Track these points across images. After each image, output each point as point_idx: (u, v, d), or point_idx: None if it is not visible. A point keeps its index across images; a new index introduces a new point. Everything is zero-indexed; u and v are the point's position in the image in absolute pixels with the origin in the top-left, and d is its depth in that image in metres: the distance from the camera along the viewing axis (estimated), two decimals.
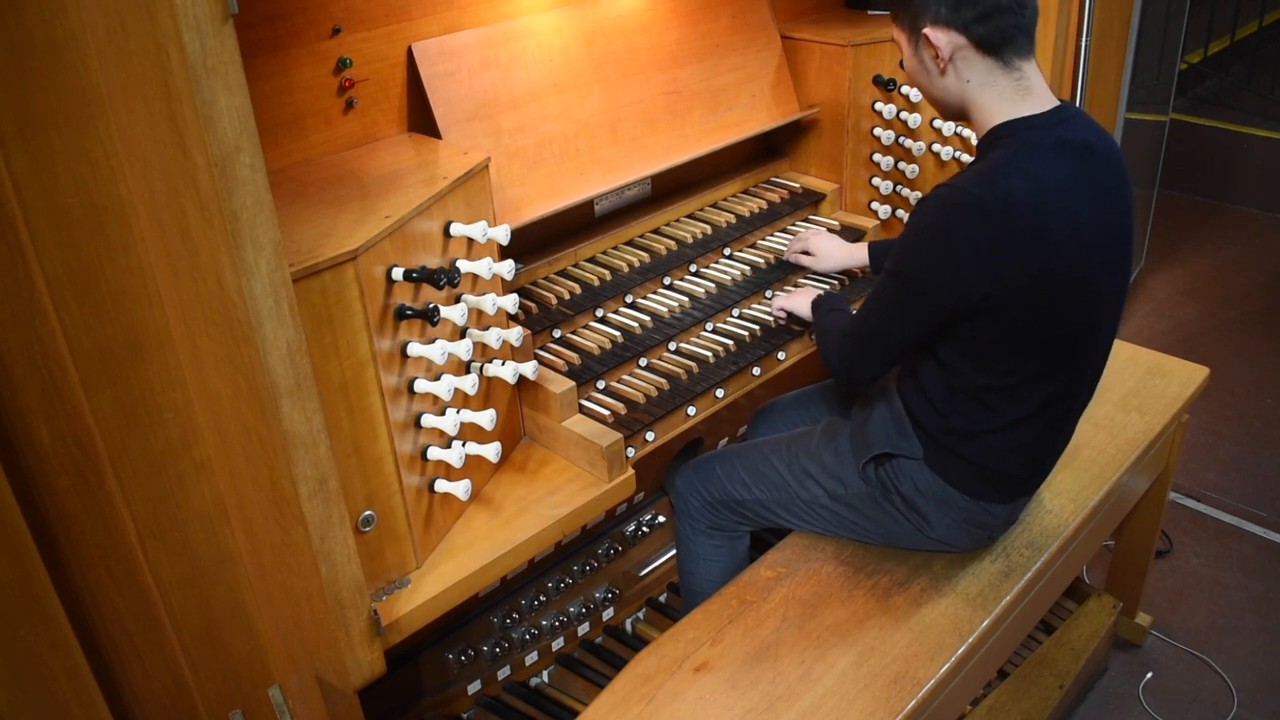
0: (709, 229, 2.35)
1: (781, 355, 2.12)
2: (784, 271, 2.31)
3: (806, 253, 2.32)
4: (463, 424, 1.62)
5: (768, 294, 2.27)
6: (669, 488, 2.57)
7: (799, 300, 2.13)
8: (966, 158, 2.49)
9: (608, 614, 2.46)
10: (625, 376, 1.99)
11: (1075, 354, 1.72)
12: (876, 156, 2.53)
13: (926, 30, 1.64)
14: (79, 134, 1.23)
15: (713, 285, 2.22)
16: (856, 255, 2.29)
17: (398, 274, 1.48)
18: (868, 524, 1.94)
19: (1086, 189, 1.62)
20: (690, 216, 2.42)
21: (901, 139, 2.49)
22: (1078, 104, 2.78)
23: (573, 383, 1.86)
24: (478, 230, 1.64)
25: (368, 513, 1.51)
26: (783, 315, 2.16)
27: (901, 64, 1.75)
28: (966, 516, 1.86)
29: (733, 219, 2.40)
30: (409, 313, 1.51)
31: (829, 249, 2.30)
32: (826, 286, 2.25)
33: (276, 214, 1.18)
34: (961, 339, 1.68)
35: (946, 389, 1.76)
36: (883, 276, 1.73)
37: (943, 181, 1.65)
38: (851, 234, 2.48)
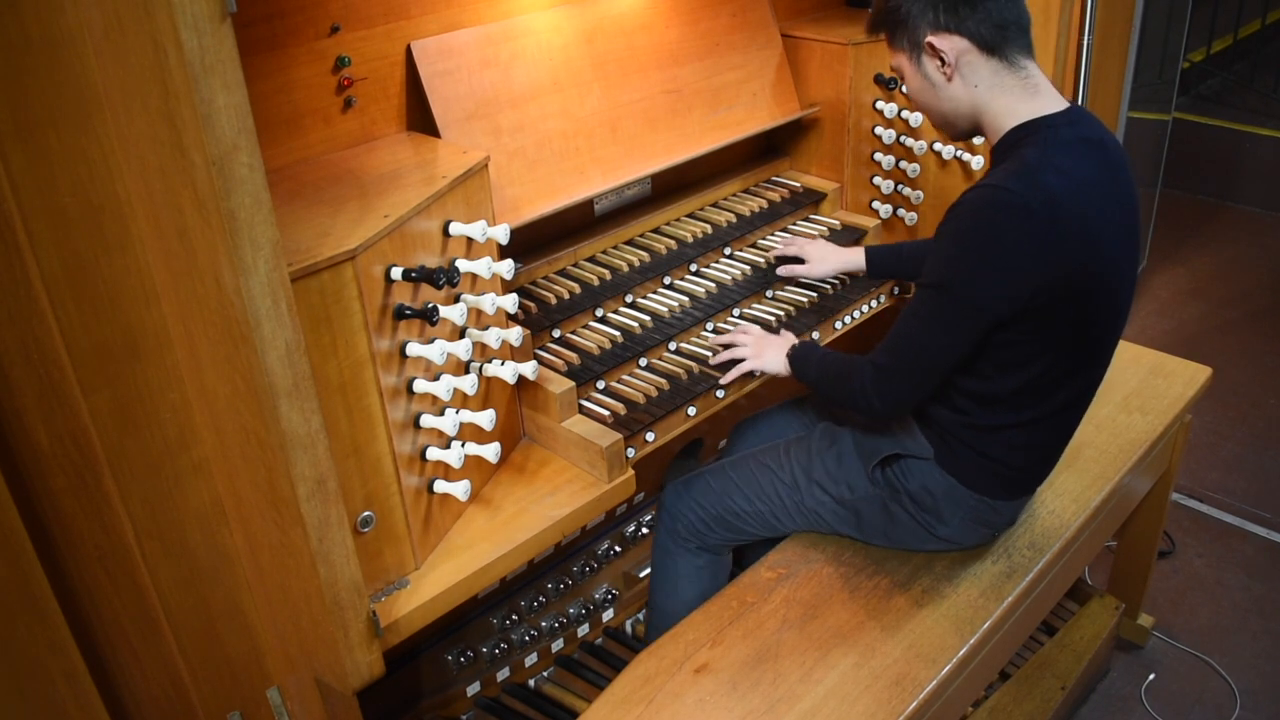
0: (709, 228, 2.35)
1: None
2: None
3: (798, 259, 2.27)
4: (462, 424, 1.62)
5: (774, 292, 2.26)
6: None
7: (768, 358, 1.96)
8: (967, 156, 2.48)
9: (607, 615, 2.45)
10: (625, 376, 1.99)
11: (1099, 351, 1.73)
12: (878, 155, 2.52)
13: (930, 39, 1.65)
14: (76, 133, 1.23)
15: (713, 285, 2.21)
16: (852, 259, 2.25)
17: (396, 274, 1.47)
18: (874, 527, 1.93)
19: (1106, 187, 1.62)
20: (690, 216, 2.41)
21: (903, 138, 2.48)
22: (1080, 103, 2.77)
23: (572, 383, 1.85)
24: (477, 229, 1.63)
25: (366, 513, 1.51)
26: (734, 378, 1.96)
27: (902, 88, 1.74)
28: (975, 515, 1.86)
29: (733, 218, 2.39)
30: (408, 312, 1.50)
31: (823, 253, 2.26)
32: (779, 339, 2.00)
33: (275, 213, 1.17)
34: (994, 344, 1.66)
35: (966, 392, 1.75)
36: (922, 292, 1.68)
37: (975, 184, 1.62)
38: (853, 234, 2.48)
